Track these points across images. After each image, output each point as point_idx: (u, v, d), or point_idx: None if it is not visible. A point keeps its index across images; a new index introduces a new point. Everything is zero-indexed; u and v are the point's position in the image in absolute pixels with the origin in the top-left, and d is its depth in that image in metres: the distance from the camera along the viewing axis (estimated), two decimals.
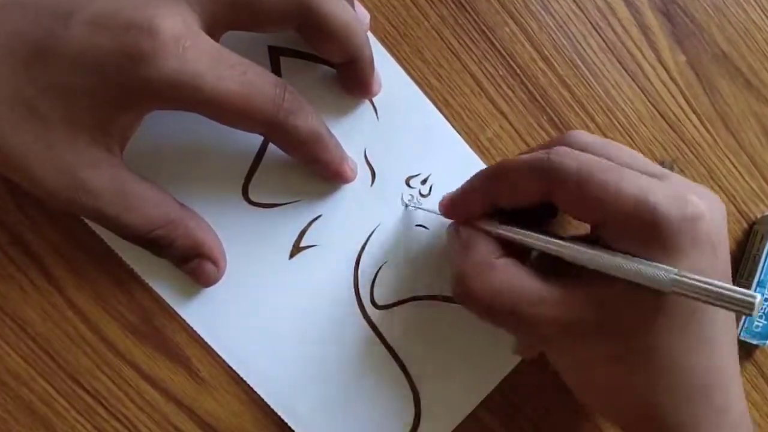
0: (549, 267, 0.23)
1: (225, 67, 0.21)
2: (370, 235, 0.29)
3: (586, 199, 0.20)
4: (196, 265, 0.25)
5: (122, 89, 0.20)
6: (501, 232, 0.24)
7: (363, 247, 0.29)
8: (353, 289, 0.29)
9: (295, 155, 0.25)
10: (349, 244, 0.29)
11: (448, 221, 0.28)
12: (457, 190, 0.26)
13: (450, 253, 0.25)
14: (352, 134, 0.28)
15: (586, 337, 0.21)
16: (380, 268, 0.29)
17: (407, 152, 0.29)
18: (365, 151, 0.29)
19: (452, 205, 0.25)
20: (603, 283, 0.21)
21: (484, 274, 0.22)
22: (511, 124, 0.31)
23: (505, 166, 0.23)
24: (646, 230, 0.20)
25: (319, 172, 0.27)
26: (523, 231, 0.23)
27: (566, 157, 0.21)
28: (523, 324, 0.21)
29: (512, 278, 0.22)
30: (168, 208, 0.24)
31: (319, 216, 0.28)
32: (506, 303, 0.21)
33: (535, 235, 0.23)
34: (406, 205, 0.29)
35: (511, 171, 0.22)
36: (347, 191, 0.29)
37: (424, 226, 0.30)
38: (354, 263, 0.29)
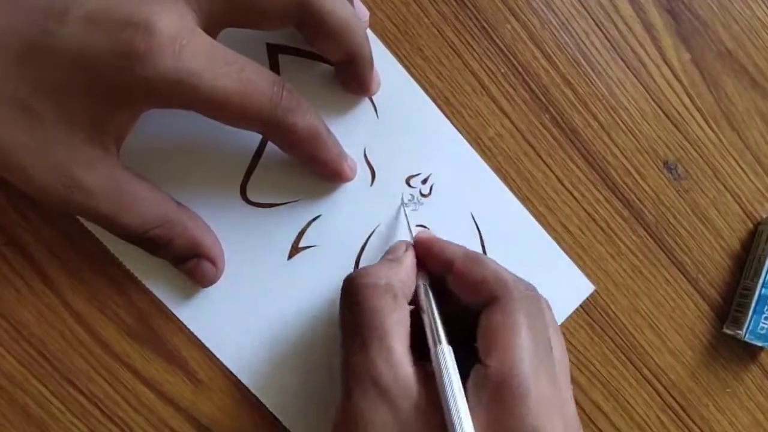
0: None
1: (222, 64, 0.21)
2: (370, 236, 0.29)
3: None
4: (193, 265, 0.25)
5: (118, 88, 0.20)
6: (422, 296, 0.24)
7: (363, 248, 0.29)
8: None
9: (293, 154, 0.25)
10: (349, 244, 0.28)
11: (449, 222, 0.28)
12: (444, 243, 0.26)
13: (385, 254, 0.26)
14: (351, 133, 0.28)
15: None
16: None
17: (407, 151, 0.29)
18: (365, 150, 0.29)
19: (426, 250, 0.26)
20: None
21: (379, 289, 0.22)
22: (512, 123, 0.31)
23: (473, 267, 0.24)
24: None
25: (317, 171, 0.26)
26: (433, 311, 0.23)
27: None
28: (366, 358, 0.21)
29: (393, 317, 0.22)
30: (165, 207, 0.24)
31: (318, 216, 0.28)
32: (365, 328, 0.22)
33: (434, 319, 0.23)
34: (406, 205, 0.29)
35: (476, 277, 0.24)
36: (346, 191, 0.28)
37: (424, 227, 0.29)
38: (354, 264, 0.28)
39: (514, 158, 0.31)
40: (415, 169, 0.29)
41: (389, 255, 0.25)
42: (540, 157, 0.31)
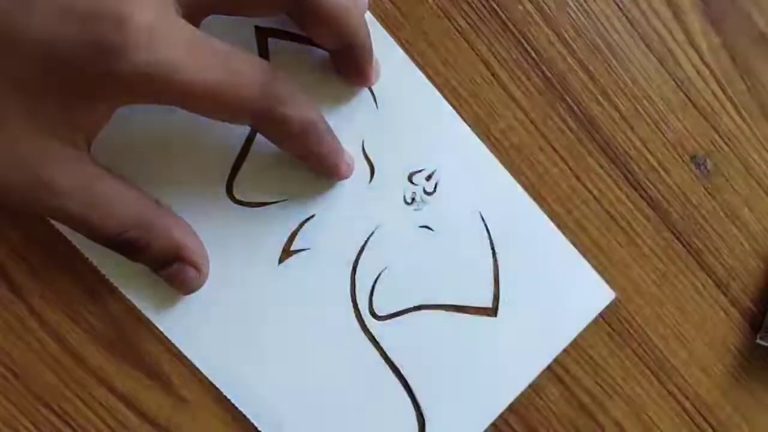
0: None
1: (204, 55, 0.21)
2: (369, 238, 0.28)
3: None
4: (175, 270, 0.25)
5: (90, 83, 0.20)
6: None
7: (361, 251, 0.28)
8: (350, 298, 0.28)
9: (286, 148, 0.25)
10: (345, 247, 0.28)
11: (456, 222, 0.28)
12: None
13: None
14: (348, 125, 0.27)
15: None
16: (380, 274, 0.28)
17: (410, 145, 0.28)
18: (363, 144, 0.28)
19: None
20: None
21: None
22: (525, 113, 0.30)
23: None
24: None
25: (312, 166, 0.26)
26: None
27: None
28: None
29: None
30: (142, 207, 0.23)
31: (312, 216, 0.27)
32: None
33: None
34: (409, 204, 0.29)
35: None
36: (343, 188, 0.28)
37: (429, 228, 0.29)
38: (351, 269, 0.28)
39: (527, 152, 0.30)
40: (419, 165, 0.29)
41: None
42: (555, 150, 0.30)
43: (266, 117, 0.22)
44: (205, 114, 0.22)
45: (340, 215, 0.28)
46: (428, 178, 0.29)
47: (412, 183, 0.29)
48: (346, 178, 0.27)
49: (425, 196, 0.29)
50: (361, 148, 0.28)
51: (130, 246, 0.23)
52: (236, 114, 0.22)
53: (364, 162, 0.28)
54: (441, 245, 0.29)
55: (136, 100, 0.21)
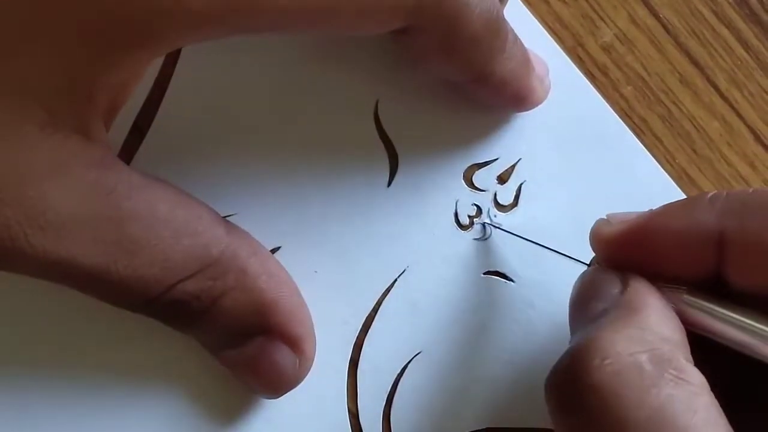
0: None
1: None
2: (384, 296, 0.19)
3: None
4: (258, 349, 0.18)
5: (130, 20, 0.15)
6: (698, 309, 0.18)
7: (367, 327, 0.19)
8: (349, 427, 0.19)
9: (450, 68, 0.20)
10: (340, 322, 0.20)
11: (557, 265, 0.20)
12: (649, 214, 0.18)
13: (573, 311, 0.19)
14: (356, 74, 0.20)
15: None
16: (406, 367, 0.19)
17: (465, 111, 0.21)
18: (376, 107, 0.20)
19: (635, 240, 0.18)
20: None
21: (641, 377, 0.16)
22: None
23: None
24: None
25: (488, 95, 0.20)
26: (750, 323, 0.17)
27: None
28: None
29: (697, 413, 0.15)
30: (206, 235, 0.18)
31: (278, 248, 0.19)
32: None
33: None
34: (464, 228, 0.20)
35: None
36: (332, 197, 0.20)
37: (503, 276, 0.20)
38: (347, 363, 0.19)
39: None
40: (485, 152, 0.21)
41: (601, 302, 0.18)
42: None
43: (429, 11, 0.18)
44: (329, 27, 0.17)
45: (328, 255, 0.20)
46: (502, 178, 0.21)
47: (473, 187, 0.20)
48: (538, 104, 0.21)
49: (497, 213, 0.20)
50: (372, 116, 0.20)
51: (183, 309, 0.17)
52: (385, 15, 0.17)
53: (379, 145, 0.20)
54: (529, 315, 0.20)
55: (212, 32, 0.16)
